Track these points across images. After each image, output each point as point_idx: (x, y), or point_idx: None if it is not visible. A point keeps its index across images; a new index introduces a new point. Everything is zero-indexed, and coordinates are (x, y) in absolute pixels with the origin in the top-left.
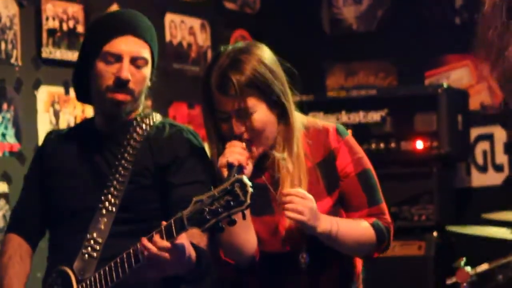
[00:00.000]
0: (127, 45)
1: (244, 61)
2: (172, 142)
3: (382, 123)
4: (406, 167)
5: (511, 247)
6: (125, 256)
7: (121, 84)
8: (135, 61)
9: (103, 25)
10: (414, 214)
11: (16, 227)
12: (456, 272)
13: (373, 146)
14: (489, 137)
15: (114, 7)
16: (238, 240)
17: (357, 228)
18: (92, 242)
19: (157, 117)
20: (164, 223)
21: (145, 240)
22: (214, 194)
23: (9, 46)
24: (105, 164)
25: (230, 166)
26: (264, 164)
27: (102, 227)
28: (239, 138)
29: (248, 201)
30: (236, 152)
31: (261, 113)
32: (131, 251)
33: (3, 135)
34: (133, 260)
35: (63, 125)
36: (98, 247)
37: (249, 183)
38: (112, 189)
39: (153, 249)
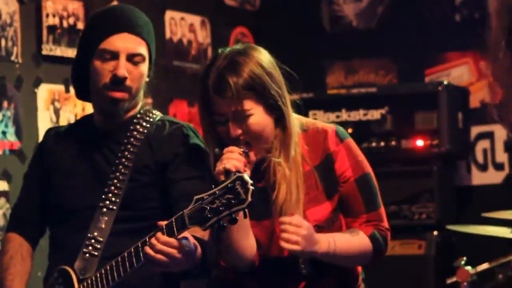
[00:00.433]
0: (123, 42)
1: (242, 64)
2: (172, 140)
3: (382, 121)
4: (406, 165)
5: (511, 246)
6: (126, 255)
7: (118, 82)
8: (132, 58)
9: (100, 22)
10: (414, 213)
11: (17, 226)
12: (457, 271)
13: (374, 144)
14: (490, 135)
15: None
16: (237, 246)
17: (353, 242)
18: (93, 241)
19: (156, 115)
20: (161, 223)
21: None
22: (215, 192)
23: (9, 43)
24: (105, 162)
25: (227, 172)
26: (261, 169)
27: (103, 225)
28: (236, 143)
29: (249, 199)
30: (233, 158)
31: (258, 116)
32: (132, 250)
33: (3, 133)
34: (134, 259)
35: (63, 123)
36: (99, 246)
37: (249, 181)
38: (112, 187)
39: (158, 245)
